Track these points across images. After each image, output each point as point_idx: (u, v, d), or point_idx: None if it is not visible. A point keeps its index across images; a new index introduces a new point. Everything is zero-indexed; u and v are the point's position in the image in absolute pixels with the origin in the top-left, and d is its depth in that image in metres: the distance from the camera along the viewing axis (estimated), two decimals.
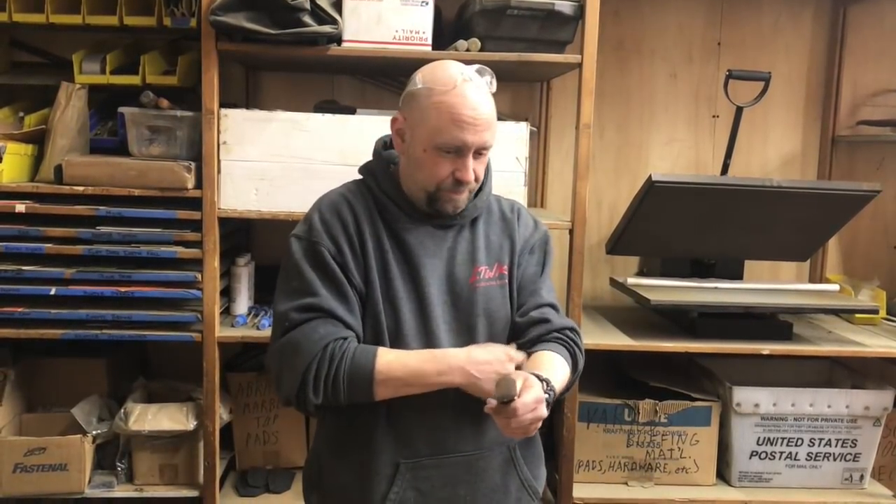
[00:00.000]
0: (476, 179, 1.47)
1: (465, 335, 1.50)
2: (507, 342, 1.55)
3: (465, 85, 1.42)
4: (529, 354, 1.50)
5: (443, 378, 1.41)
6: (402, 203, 1.50)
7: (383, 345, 1.45)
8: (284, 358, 1.42)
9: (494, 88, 1.49)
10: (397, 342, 1.45)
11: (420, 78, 1.46)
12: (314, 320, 1.42)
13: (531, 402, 1.29)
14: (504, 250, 1.57)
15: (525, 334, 1.54)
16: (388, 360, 1.40)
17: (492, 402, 1.28)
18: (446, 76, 1.44)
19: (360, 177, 1.58)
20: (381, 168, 1.54)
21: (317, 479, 1.56)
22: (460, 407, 1.46)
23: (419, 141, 1.44)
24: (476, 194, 1.56)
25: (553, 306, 1.58)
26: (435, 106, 1.42)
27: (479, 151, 1.45)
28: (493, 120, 1.46)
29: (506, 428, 1.31)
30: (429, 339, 1.46)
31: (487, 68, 1.49)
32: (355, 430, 1.47)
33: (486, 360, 1.41)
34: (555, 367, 1.45)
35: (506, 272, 1.56)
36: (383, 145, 1.58)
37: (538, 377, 1.35)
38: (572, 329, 1.56)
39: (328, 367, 1.39)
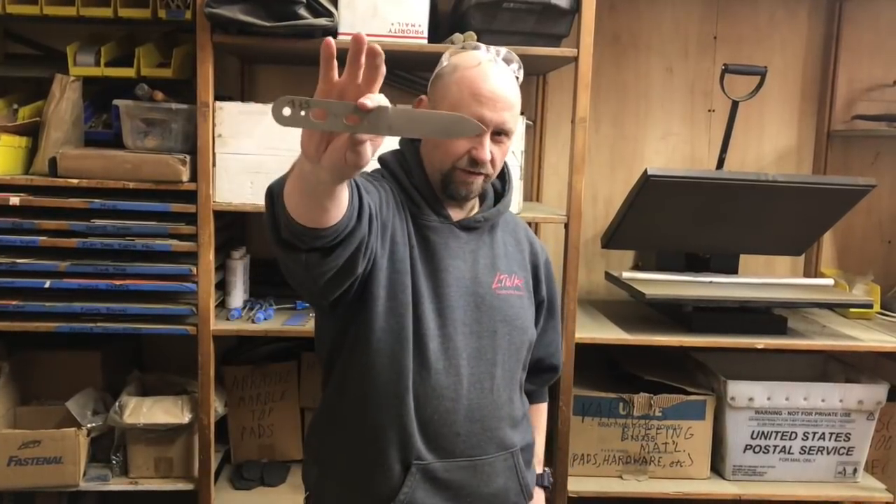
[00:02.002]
0: (493, 164, 1.45)
1: (487, 339, 1.49)
2: (529, 357, 1.62)
3: (490, 64, 1.44)
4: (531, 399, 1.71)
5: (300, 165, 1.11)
6: (430, 198, 1.49)
7: (406, 336, 1.41)
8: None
9: (521, 77, 1.50)
10: (417, 341, 1.43)
11: (447, 57, 1.49)
12: None
13: None
14: (518, 264, 1.59)
15: (538, 377, 1.74)
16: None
17: None
18: (472, 55, 1.46)
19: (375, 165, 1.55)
20: (412, 156, 1.51)
21: (320, 453, 1.55)
22: (471, 412, 1.46)
23: None
24: (498, 200, 1.57)
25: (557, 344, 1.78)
26: (457, 81, 1.42)
27: (498, 133, 1.44)
28: (515, 104, 1.45)
29: None
30: (445, 341, 1.45)
31: (516, 56, 1.50)
32: (368, 428, 1.45)
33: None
34: (544, 428, 1.81)
35: (521, 286, 1.57)
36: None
37: (540, 483, 1.70)
38: (558, 371, 1.81)
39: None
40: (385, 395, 1.43)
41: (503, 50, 1.50)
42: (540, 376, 1.74)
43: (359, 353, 1.44)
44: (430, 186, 1.49)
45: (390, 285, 1.41)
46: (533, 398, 1.73)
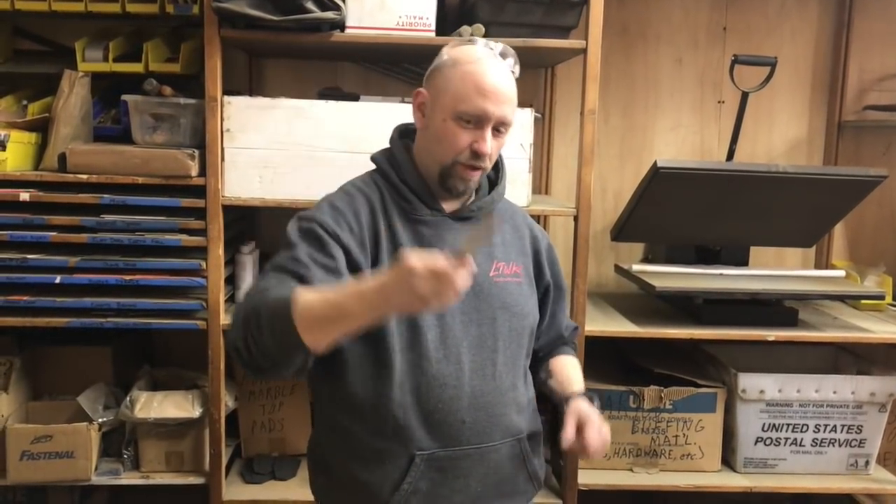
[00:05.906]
0: (491, 158, 1.47)
1: (487, 326, 1.49)
2: (533, 343, 1.62)
3: (491, 59, 1.46)
4: (550, 356, 1.71)
5: (371, 314, 1.21)
6: (422, 193, 1.50)
7: (390, 342, 1.42)
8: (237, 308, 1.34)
9: (517, 72, 1.51)
10: (413, 334, 1.43)
11: (446, 51, 1.50)
12: (278, 273, 1.36)
13: (596, 439, 1.46)
14: (517, 251, 1.59)
15: (555, 344, 1.73)
16: (308, 295, 1.24)
17: (567, 440, 1.43)
18: (473, 50, 1.47)
19: (372, 166, 1.57)
20: (401, 154, 1.53)
21: (323, 461, 1.55)
22: (475, 398, 1.46)
23: (441, 110, 1.45)
24: (492, 188, 1.58)
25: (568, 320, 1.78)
26: (460, 75, 1.44)
27: (498, 128, 1.46)
28: (514, 98, 1.48)
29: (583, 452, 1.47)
30: (443, 330, 1.45)
31: (512, 51, 1.51)
32: (370, 420, 1.46)
33: (393, 285, 1.17)
34: (578, 370, 1.70)
35: (520, 272, 1.57)
36: (399, 134, 1.58)
37: (589, 398, 1.55)
38: (576, 328, 1.80)
39: (248, 306, 1.29)
40: (382, 393, 1.43)
41: (499, 45, 1.51)
42: (559, 343, 1.74)
43: (352, 357, 1.45)
44: (422, 181, 1.51)
45: None
46: (559, 353, 1.73)
